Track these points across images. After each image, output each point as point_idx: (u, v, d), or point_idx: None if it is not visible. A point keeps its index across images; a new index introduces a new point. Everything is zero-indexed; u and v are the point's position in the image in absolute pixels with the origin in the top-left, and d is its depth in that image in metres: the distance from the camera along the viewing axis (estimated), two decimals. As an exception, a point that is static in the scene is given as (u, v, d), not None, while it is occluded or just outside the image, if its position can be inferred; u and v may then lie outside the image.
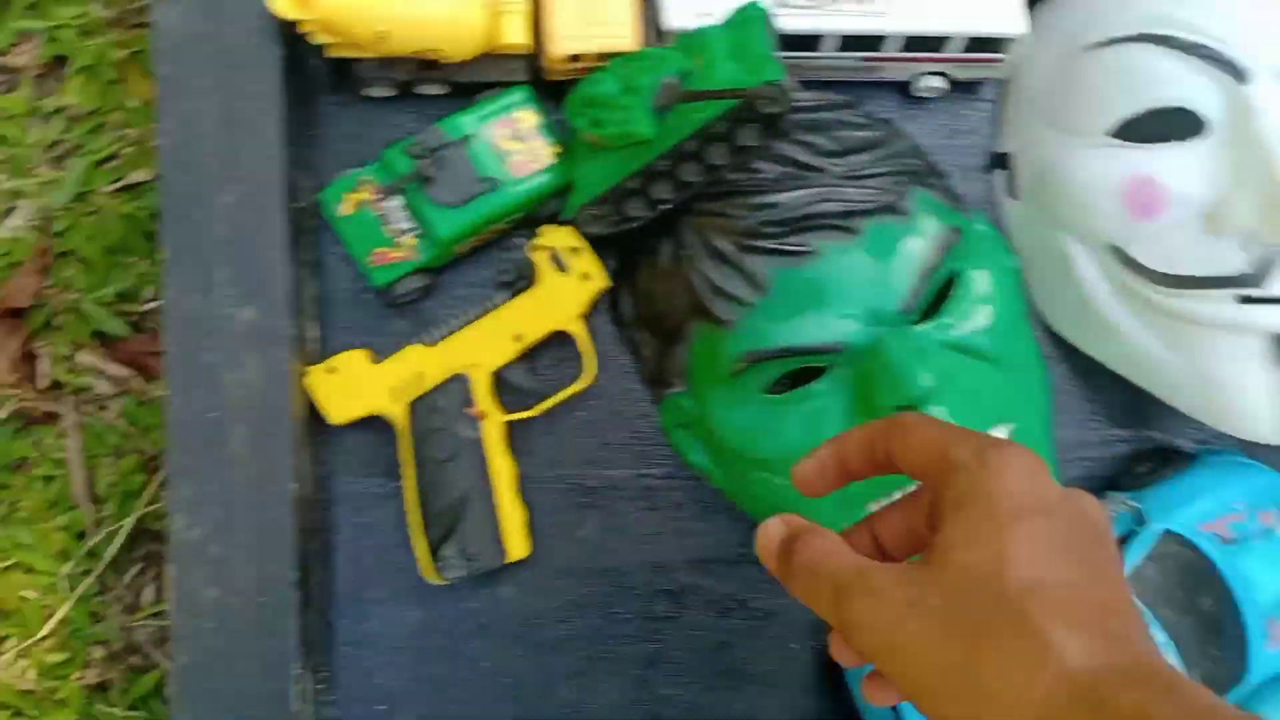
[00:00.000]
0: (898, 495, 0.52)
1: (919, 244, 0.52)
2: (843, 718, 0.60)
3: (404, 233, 0.56)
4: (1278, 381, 0.53)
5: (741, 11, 0.54)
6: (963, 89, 0.62)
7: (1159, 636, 0.52)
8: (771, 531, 0.38)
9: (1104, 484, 0.61)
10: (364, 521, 0.60)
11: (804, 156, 0.53)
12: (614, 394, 0.61)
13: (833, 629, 0.36)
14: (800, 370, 0.53)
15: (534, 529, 0.60)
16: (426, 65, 0.57)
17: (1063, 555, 0.33)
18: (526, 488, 0.59)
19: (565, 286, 0.57)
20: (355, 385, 0.56)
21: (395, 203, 0.56)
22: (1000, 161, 0.62)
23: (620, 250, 0.59)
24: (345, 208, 0.56)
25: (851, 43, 0.57)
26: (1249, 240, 0.52)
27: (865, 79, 0.60)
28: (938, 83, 0.60)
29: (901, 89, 0.62)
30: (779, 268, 0.52)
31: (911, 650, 0.32)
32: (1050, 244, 0.59)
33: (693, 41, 0.54)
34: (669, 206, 0.54)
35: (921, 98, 0.61)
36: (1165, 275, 0.54)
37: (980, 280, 0.54)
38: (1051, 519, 0.33)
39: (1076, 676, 0.30)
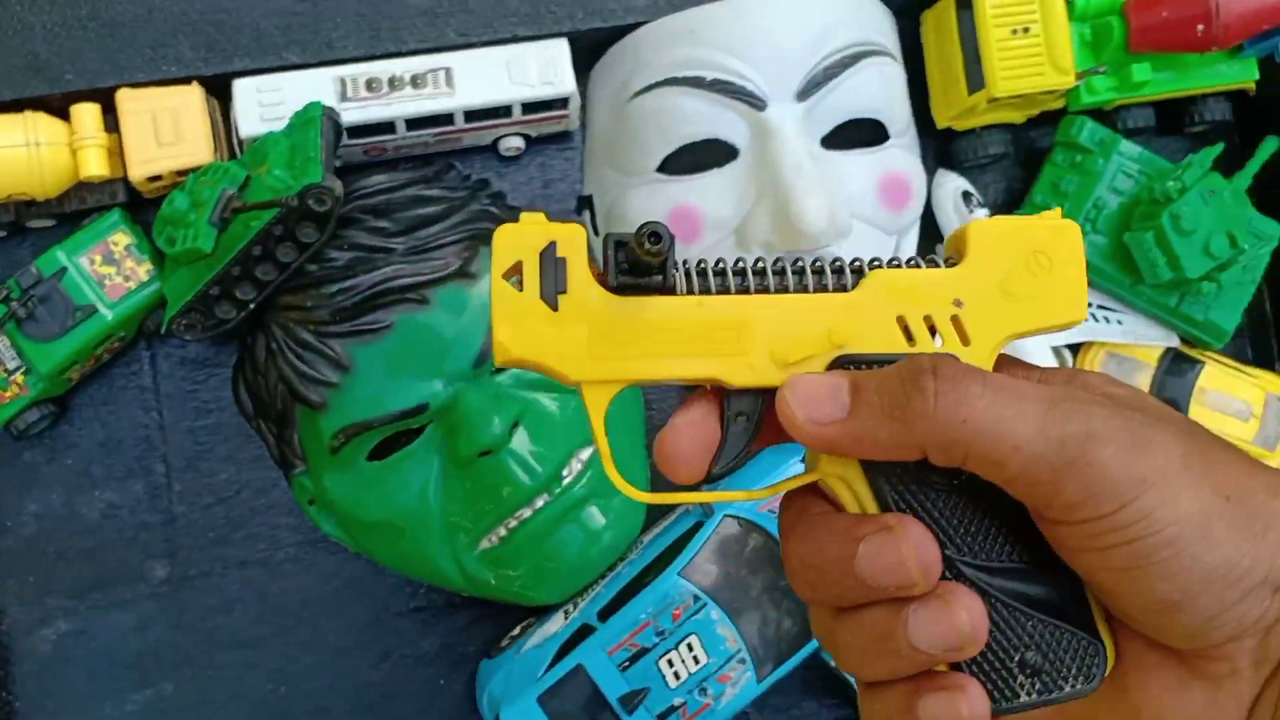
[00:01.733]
0: (504, 531, 0.57)
1: (487, 302, 0.57)
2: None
3: (14, 371, 0.59)
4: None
5: (300, 114, 0.58)
6: (554, 139, 0.66)
7: (715, 613, 0.58)
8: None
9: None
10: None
11: (371, 240, 0.57)
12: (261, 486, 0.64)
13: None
14: (398, 435, 0.57)
15: (194, 613, 0.63)
16: (30, 203, 0.60)
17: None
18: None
19: None
20: None
21: (2, 343, 0.58)
22: (586, 203, 0.66)
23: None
24: (-42, 354, 0.59)
25: (421, 123, 0.61)
26: (769, 252, 0.57)
27: (453, 147, 0.65)
28: (517, 142, 0.65)
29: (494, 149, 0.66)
30: (359, 345, 0.56)
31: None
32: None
33: (257, 149, 0.58)
34: (254, 304, 0.58)
35: (509, 156, 0.66)
36: None
37: None
38: None
39: None
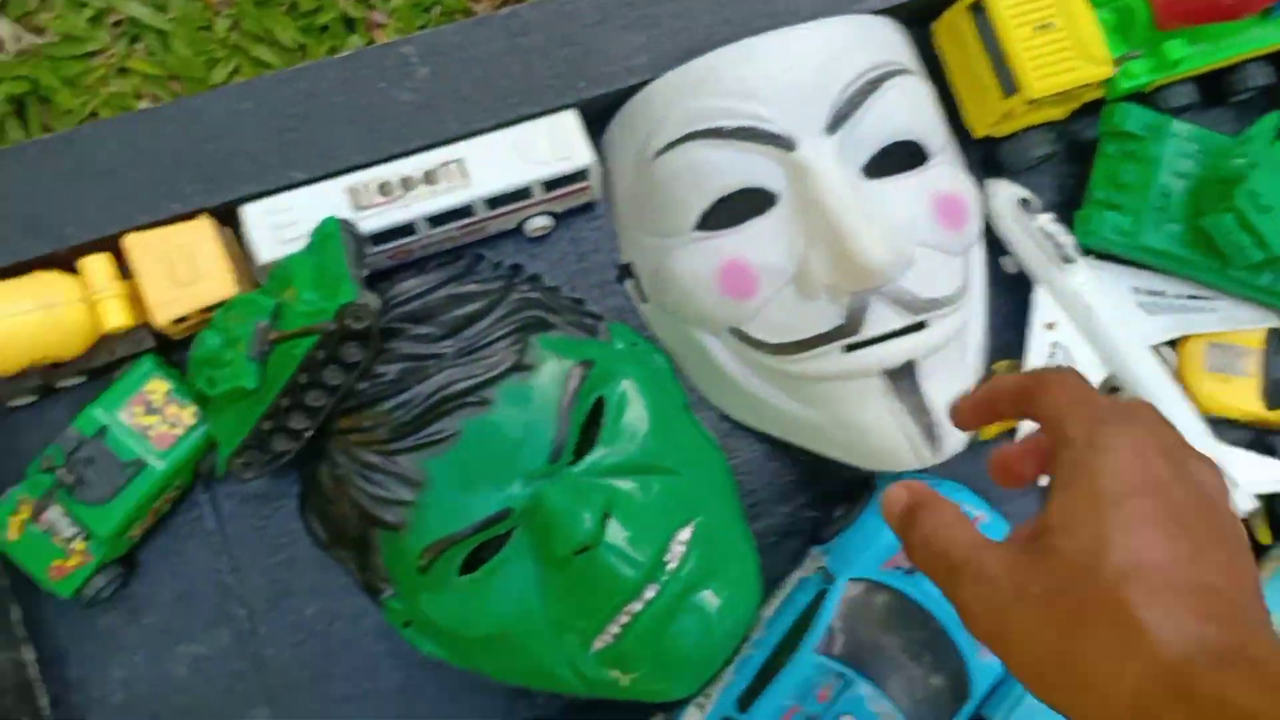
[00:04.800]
0: (616, 629, 0.54)
1: (550, 392, 0.54)
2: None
3: (72, 538, 0.57)
4: (900, 410, 0.56)
5: (318, 231, 0.56)
6: (580, 211, 0.64)
7: (866, 689, 0.55)
8: (894, 497, 0.39)
9: (810, 539, 0.63)
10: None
11: (418, 349, 0.55)
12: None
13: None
14: (486, 543, 0.55)
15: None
16: (56, 364, 0.58)
17: (1166, 534, 0.32)
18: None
19: None
20: None
21: (56, 512, 0.57)
22: (627, 271, 0.64)
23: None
24: (12, 532, 0.57)
25: (442, 218, 0.59)
26: (835, 294, 0.55)
27: (480, 237, 0.63)
28: (543, 221, 0.62)
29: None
30: (428, 459, 0.54)
31: (1015, 638, 0.33)
32: (684, 336, 0.61)
33: (280, 274, 0.56)
34: (310, 433, 0.56)
35: (537, 236, 0.64)
36: (776, 345, 0.57)
37: (627, 396, 0.57)
38: (1158, 498, 0.33)
39: (1167, 662, 0.30)
